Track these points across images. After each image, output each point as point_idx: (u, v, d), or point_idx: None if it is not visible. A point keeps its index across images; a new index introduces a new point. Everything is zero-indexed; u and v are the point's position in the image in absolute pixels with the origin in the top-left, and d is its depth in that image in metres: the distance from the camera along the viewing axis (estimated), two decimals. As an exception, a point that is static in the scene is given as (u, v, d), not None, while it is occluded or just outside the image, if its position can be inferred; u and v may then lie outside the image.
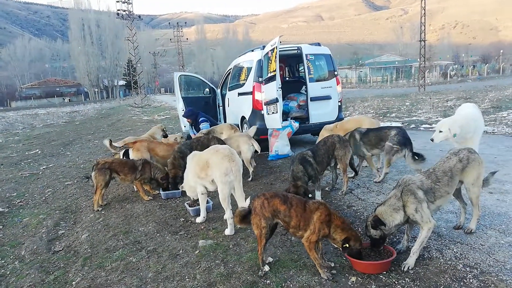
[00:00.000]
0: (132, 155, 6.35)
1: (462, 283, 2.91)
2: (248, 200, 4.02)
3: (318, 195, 4.94)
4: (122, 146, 6.66)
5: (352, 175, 5.76)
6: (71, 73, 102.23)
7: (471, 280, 2.94)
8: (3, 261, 4.51)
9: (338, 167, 5.30)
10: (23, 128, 23.30)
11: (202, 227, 4.61)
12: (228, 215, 4.29)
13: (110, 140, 6.57)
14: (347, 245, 3.17)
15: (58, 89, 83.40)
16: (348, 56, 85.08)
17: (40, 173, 9.28)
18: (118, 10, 44.82)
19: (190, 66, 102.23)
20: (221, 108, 11.07)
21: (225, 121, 10.60)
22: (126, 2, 44.29)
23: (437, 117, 13.98)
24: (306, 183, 4.77)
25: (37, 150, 13.18)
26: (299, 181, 4.70)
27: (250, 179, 6.50)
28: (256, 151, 6.58)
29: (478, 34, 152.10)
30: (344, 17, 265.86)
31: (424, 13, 35.44)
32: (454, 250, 3.39)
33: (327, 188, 5.47)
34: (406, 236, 3.53)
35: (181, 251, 4.00)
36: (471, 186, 3.46)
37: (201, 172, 4.51)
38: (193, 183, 4.76)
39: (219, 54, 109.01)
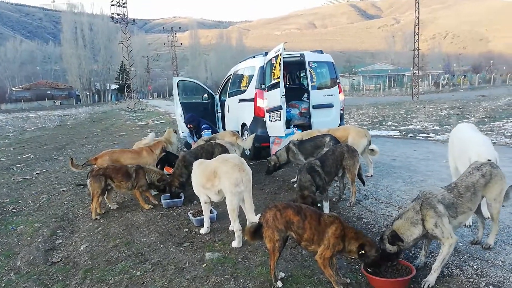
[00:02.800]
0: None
1: (487, 302, 2.80)
2: (258, 215, 3.88)
3: (326, 206, 4.81)
4: (85, 163, 6.35)
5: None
6: (62, 76, 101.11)
7: (495, 299, 2.84)
8: (-3, 273, 4.29)
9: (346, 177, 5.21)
10: (13, 131, 22.86)
11: (208, 239, 4.45)
12: (236, 227, 4.12)
13: (72, 159, 6.21)
14: (364, 252, 3.05)
15: (49, 92, 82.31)
16: (341, 64, 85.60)
17: (34, 178, 9.01)
18: (113, 13, 44.56)
19: (183, 71, 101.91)
20: (219, 114, 10.92)
21: (223, 128, 10.46)
22: (121, 5, 44.05)
23: (433, 126, 14.04)
24: (314, 193, 4.64)
25: (29, 154, 12.87)
26: (306, 191, 4.57)
27: None
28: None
29: (468, 44, 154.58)
30: (337, 25, 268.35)
31: (418, 23, 35.88)
32: (474, 266, 3.28)
33: (334, 199, 5.35)
34: (424, 252, 3.42)
35: (187, 264, 3.83)
36: (493, 201, 3.37)
37: (207, 182, 4.35)
38: (196, 192, 4.60)
39: (212, 59, 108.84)
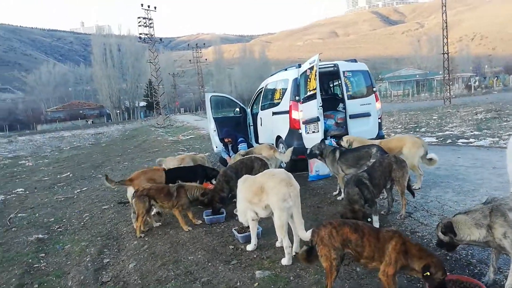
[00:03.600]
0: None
1: None
2: (309, 231, 3.77)
3: (375, 219, 4.63)
4: (119, 181, 6.27)
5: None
6: (93, 95, 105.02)
7: None
8: (50, 293, 4.36)
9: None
10: (51, 150, 23.74)
11: (255, 256, 4.36)
12: (286, 243, 4.01)
13: (106, 175, 6.15)
14: (429, 273, 2.85)
15: (81, 111, 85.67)
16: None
17: (75, 197, 9.24)
18: (140, 33, 45.96)
19: (208, 86, 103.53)
20: (251, 127, 10.92)
21: (256, 141, 10.43)
22: (148, 26, 45.42)
23: (471, 131, 13.49)
24: (363, 207, 4.48)
25: (68, 173, 13.28)
26: (356, 205, 4.42)
27: None
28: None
29: (497, 45, 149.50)
30: (359, 32, 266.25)
31: (446, 26, 34.98)
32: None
33: (382, 212, 5.15)
34: (492, 268, 3.19)
35: (238, 283, 3.75)
36: None
37: (254, 197, 4.28)
38: (241, 209, 4.53)
39: (236, 73, 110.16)
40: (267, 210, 4.24)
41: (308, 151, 6.35)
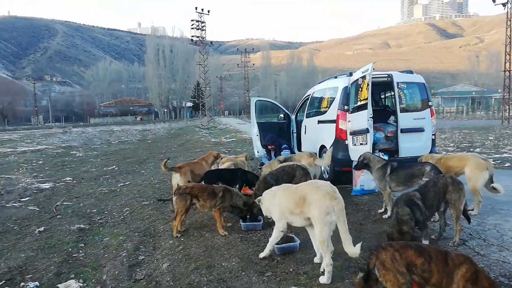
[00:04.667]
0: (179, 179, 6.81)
1: None
2: (358, 246, 3.51)
3: (425, 243, 4.25)
4: (171, 168, 7.05)
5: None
6: (144, 94, 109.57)
7: None
8: (85, 284, 4.38)
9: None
10: (100, 143, 24.86)
11: (291, 270, 4.14)
12: (327, 261, 3.76)
13: (167, 159, 7.28)
14: None
15: (131, 108, 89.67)
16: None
17: (118, 190, 9.49)
18: (192, 36, 47.30)
19: (254, 91, 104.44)
20: (295, 135, 10.70)
21: (299, 149, 10.20)
22: (200, 29, 46.59)
23: (533, 155, 12.38)
24: (413, 229, 4.12)
25: (114, 166, 13.74)
26: (405, 226, 4.07)
27: None
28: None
29: None
30: (413, 44, 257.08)
31: (510, 41, 32.73)
32: None
33: (433, 236, 4.74)
34: None
35: (272, 298, 3.55)
36: None
37: (296, 208, 4.05)
38: (277, 218, 4.33)
39: (282, 79, 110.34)
40: (308, 222, 4.03)
41: (356, 162, 6.06)
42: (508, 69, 33.96)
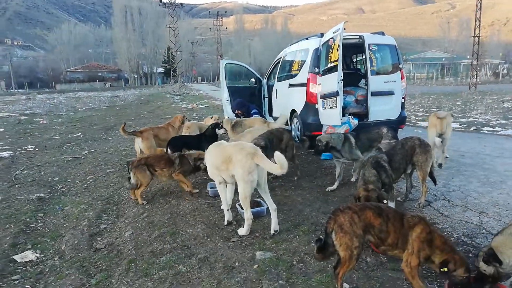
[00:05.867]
0: (141, 144, 6.62)
1: None
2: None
3: (391, 206, 4.25)
4: (131, 132, 6.95)
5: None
6: (112, 59, 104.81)
7: None
8: (42, 255, 4.18)
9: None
10: (66, 110, 23.80)
11: (257, 235, 4.07)
12: (247, 215, 4.02)
13: (125, 123, 6.91)
14: (446, 269, 2.56)
15: (100, 74, 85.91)
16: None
17: (82, 158, 9.10)
18: (162, -3, 45.06)
19: (227, 56, 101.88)
20: (266, 99, 10.47)
21: (270, 114, 10.02)
22: (169, -11, 44.37)
23: (497, 120, 12.76)
24: (380, 189, 4.09)
25: (80, 133, 13.18)
26: (371, 185, 4.02)
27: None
28: None
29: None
30: (387, 10, 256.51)
31: (480, 7, 33.00)
32: None
33: (399, 198, 4.77)
34: None
35: (237, 264, 3.47)
36: None
37: (222, 165, 4.17)
38: (210, 172, 4.46)
39: (256, 44, 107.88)
40: (233, 178, 4.17)
41: (315, 148, 5.56)
42: (477, 35, 34.47)
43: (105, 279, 3.50)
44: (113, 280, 3.46)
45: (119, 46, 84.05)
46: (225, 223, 4.39)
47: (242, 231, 4.06)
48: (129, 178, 5.35)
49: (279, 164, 3.70)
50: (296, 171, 6.13)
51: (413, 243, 2.66)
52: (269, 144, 5.65)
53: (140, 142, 6.62)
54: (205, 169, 5.41)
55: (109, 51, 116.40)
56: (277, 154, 3.75)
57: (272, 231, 4.05)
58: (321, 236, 2.93)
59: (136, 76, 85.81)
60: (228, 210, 4.44)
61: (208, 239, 4.03)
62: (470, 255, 3.27)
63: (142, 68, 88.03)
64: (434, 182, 4.62)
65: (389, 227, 2.71)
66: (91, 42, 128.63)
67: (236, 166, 3.98)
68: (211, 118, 8.16)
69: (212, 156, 4.37)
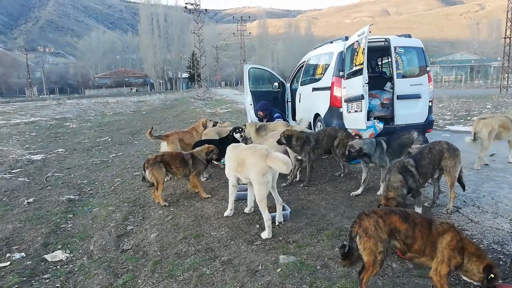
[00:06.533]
0: (166, 148, 6.68)
1: None
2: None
3: (418, 211, 4.15)
4: (157, 136, 6.98)
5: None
6: (139, 64, 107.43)
7: None
8: (72, 255, 4.32)
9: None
10: (95, 115, 24.53)
11: (281, 239, 4.06)
12: (266, 216, 4.07)
13: (152, 127, 7.02)
14: (493, 275, 2.47)
15: (127, 79, 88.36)
16: (417, 54, 79.85)
17: (110, 161, 9.35)
18: (186, 3, 45.92)
19: (251, 61, 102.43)
20: (289, 103, 10.45)
21: (293, 118, 9.99)
22: (194, -5, 45.15)
23: (531, 123, 12.24)
24: (404, 197, 4.00)
25: (107, 137, 13.55)
26: (392, 192, 3.92)
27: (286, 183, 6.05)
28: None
29: None
30: (413, 12, 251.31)
31: (512, 7, 31.81)
32: None
33: (426, 204, 4.65)
34: None
35: (260, 267, 3.48)
36: None
37: (238, 167, 4.35)
38: (227, 172, 4.64)
39: (279, 49, 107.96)
40: (248, 180, 4.35)
41: (347, 153, 5.30)
42: (509, 36, 33.23)
43: (131, 279, 3.58)
44: (139, 281, 3.53)
45: (145, 52, 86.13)
46: (225, 214, 4.73)
47: (264, 234, 4.09)
48: (143, 177, 5.48)
49: (283, 164, 3.94)
50: (344, 169, 6.39)
51: (443, 251, 2.59)
52: (318, 141, 5.97)
53: (165, 146, 6.74)
54: (218, 159, 5.73)
55: (135, 57, 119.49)
56: (279, 155, 4.04)
57: (276, 223, 4.30)
58: (345, 242, 2.89)
59: (161, 81, 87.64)
60: (231, 209, 4.74)
61: (232, 242, 4.06)
62: (501, 262, 3.15)
63: (167, 74, 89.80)
64: (463, 187, 4.48)
65: (416, 233, 2.65)
66: (118, 49, 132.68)
67: (250, 169, 4.14)
68: (210, 120, 8.00)
69: (229, 158, 4.57)
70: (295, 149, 5.92)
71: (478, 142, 6.17)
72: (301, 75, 9.45)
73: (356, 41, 6.44)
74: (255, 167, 4.07)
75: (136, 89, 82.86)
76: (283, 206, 4.72)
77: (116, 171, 8.17)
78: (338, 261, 3.43)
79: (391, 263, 3.36)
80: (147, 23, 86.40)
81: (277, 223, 4.30)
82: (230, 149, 4.64)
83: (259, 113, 8.50)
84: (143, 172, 5.45)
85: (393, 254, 3.36)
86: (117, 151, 10.73)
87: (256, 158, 4.10)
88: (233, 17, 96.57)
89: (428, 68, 7.39)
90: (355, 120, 6.54)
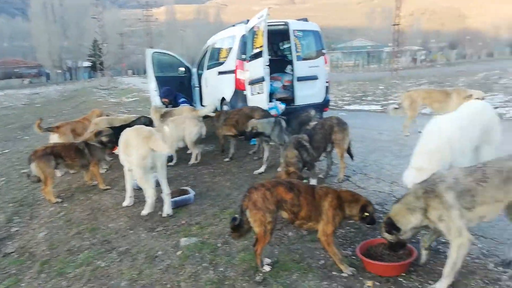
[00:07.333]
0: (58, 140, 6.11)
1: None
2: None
3: (313, 182, 4.41)
4: (46, 128, 6.40)
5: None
6: (31, 53, 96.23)
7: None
8: None
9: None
10: (-24, 110, 21.42)
11: (183, 222, 4.00)
12: (149, 193, 4.15)
13: (40, 119, 6.42)
14: (367, 214, 2.83)
15: (17, 70, 78.43)
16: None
17: (-7, 159, 8.26)
18: (82, -15, 42.11)
19: (159, 47, 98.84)
20: (196, 89, 10.28)
21: (201, 103, 9.87)
22: (91, -23, 41.61)
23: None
24: (300, 170, 4.22)
25: (-9, 134, 11.96)
26: (291, 167, 4.12)
27: (190, 163, 6.20)
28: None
29: (446, 21, 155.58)
30: (316, 1, 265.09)
31: (400, -4, 35.34)
32: (479, 245, 2.98)
33: (321, 175, 4.96)
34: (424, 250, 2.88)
35: (160, 252, 3.38)
36: None
37: (126, 149, 4.23)
38: (121, 158, 4.48)
39: (189, 35, 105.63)
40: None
41: (245, 133, 5.49)
42: (398, 23, 36.96)
43: (14, 283, 3.21)
44: (22, 284, 3.18)
45: (39, 39, 77.19)
46: (124, 204, 4.54)
47: (145, 210, 4.17)
48: (28, 174, 4.93)
49: (164, 145, 4.01)
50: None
51: (327, 212, 2.80)
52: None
53: (57, 139, 6.14)
54: (109, 141, 5.36)
55: (27, 44, 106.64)
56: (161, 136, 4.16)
57: (164, 214, 4.13)
58: (236, 215, 2.95)
59: (59, 71, 79.67)
60: (131, 196, 4.56)
61: (131, 232, 3.87)
62: (380, 221, 3.50)
63: (65, 63, 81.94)
64: (352, 157, 4.88)
65: (301, 201, 2.80)
66: (6, 36, 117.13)
67: (132, 151, 4.06)
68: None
69: (120, 142, 4.38)
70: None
71: (400, 111, 7.11)
72: (207, 59, 9.33)
73: (256, 24, 6.52)
74: (137, 149, 4.01)
75: (30, 81, 74.15)
76: (186, 190, 4.66)
77: (1, 170, 7.26)
78: (230, 235, 3.48)
79: (287, 232, 3.52)
80: (39, 7, 77.61)
81: (164, 215, 4.13)
82: (123, 133, 4.44)
83: (163, 99, 8.20)
84: (28, 165, 4.88)
85: (289, 224, 3.52)
86: (3, 148, 9.55)
87: (138, 139, 4.03)
88: (138, 1, 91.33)
89: (324, 51, 7.82)
90: (258, 102, 6.66)
